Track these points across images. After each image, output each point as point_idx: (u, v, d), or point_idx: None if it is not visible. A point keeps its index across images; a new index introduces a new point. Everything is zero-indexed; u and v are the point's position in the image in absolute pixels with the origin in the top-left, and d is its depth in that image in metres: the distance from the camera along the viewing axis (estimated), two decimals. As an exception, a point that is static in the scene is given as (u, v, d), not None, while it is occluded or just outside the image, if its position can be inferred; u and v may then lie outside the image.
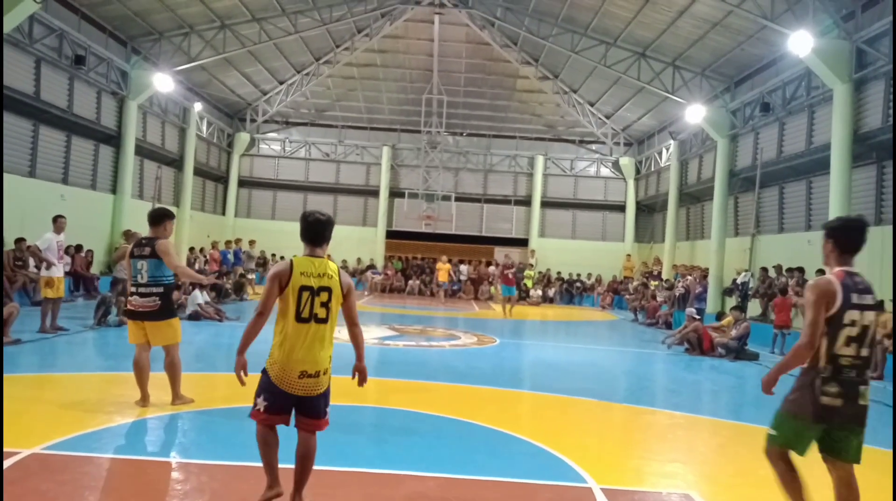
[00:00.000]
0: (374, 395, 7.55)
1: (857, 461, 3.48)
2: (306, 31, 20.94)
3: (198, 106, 22.88)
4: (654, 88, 20.12)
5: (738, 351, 11.85)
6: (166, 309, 5.89)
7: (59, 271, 10.08)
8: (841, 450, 3.48)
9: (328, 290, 3.68)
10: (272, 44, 21.13)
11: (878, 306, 3.77)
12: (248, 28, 19.98)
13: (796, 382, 3.53)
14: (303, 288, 3.63)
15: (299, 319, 3.63)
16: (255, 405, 3.68)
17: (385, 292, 25.55)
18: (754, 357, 11.86)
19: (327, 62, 23.80)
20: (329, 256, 4.16)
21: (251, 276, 20.48)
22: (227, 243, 21.01)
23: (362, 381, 3.89)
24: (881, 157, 12.81)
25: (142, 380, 5.87)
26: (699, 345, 12.27)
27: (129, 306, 5.94)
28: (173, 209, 21.56)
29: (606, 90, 23.35)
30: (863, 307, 3.42)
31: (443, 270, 23.00)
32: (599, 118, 25.90)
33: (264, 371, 3.69)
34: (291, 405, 3.68)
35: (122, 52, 18.47)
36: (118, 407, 5.90)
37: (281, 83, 25.15)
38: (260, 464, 3.77)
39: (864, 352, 3.43)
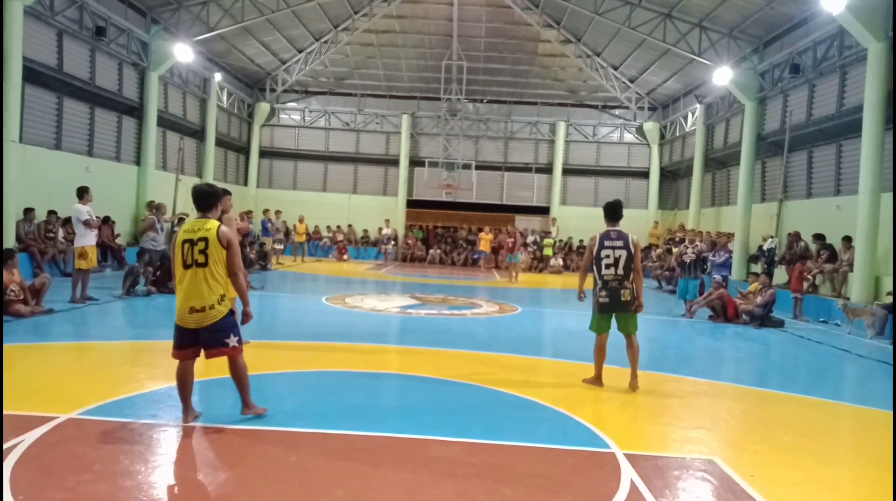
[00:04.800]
0: (398, 362, 7.65)
1: (633, 332, 6.24)
2: (324, -3, 20.69)
3: (218, 76, 22.85)
4: (679, 49, 19.60)
5: (763, 318, 11.73)
6: None
7: (92, 240, 10.26)
8: (626, 327, 6.25)
9: (204, 240, 4.54)
10: (290, 11, 20.94)
11: (625, 246, 6.13)
12: (265, -5, 19.81)
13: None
14: (184, 242, 4.57)
15: (185, 266, 4.55)
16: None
17: (406, 261, 25.65)
18: (780, 324, 11.74)
19: (346, 29, 23.54)
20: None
21: (279, 246, 20.77)
22: (265, 211, 21.56)
23: (246, 321, 4.81)
24: (916, 118, 12.40)
25: None
26: (723, 312, 12.18)
27: None
28: (196, 180, 21.88)
29: (630, 53, 22.80)
30: (613, 247, 6.14)
31: (485, 240, 23.06)
32: (623, 82, 25.37)
33: (175, 323, 4.61)
34: (193, 340, 4.57)
35: (141, 22, 18.44)
36: (149, 374, 6.05)
37: (300, 52, 24.98)
38: (284, 428, 4.56)
39: (620, 271, 6.11)
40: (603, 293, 6.13)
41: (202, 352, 4.65)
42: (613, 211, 6.37)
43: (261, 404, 4.92)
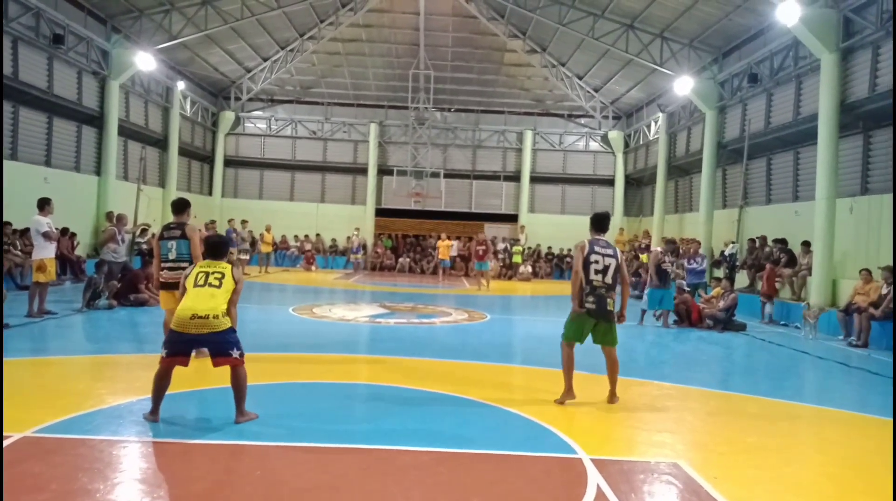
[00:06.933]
0: (367, 372, 7.60)
1: (614, 344, 6.13)
2: (289, 5, 20.60)
3: (181, 85, 22.52)
4: (642, 60, 20.01)
5: (726, 322, 11.98)
6: None
7: (51, 252, 9.99)
8: (605, 339, 6.11)
9: (222, 272, 5.16)
10: (255, 20, 20.79)
11: (614, 256, 6.12)
12: (230, 4, 19.60)
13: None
14: (199, 272, 5.15)
15: (196, 285, 5.06)
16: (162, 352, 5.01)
17: (375, 270, 25.54)
18: (742, 328, 12.00)
19: (312, 38, 23.45)
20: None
21: (244, 257, 20.36)
22: (230, 221, 20.79)
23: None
24: (867, 127, 12.84)
25: None
26: (688, 317, 12.39)
27: (161, 279, 6.97)
28: (159, 191, 21.48)
29: (595, 63, 23.19)
30: (603, 255, 6.07)
31: (443, 247, 23.00)
32: (588, 92, 25.77)
33: (170, 330, 5.03)
34: (188, 348, 5.03)
35: (101, 30, 18.09)
36: (110, 389, 5.91)
37: (265, 60, 24.78)
38: (250, 442, 4.46)
39: (608, 279, 6.03)
40: (591, 299, 6.00)
41: (189, 361, 5.12)
42: (601, 222, 6.33)
43: (222, 417, 4.86)
